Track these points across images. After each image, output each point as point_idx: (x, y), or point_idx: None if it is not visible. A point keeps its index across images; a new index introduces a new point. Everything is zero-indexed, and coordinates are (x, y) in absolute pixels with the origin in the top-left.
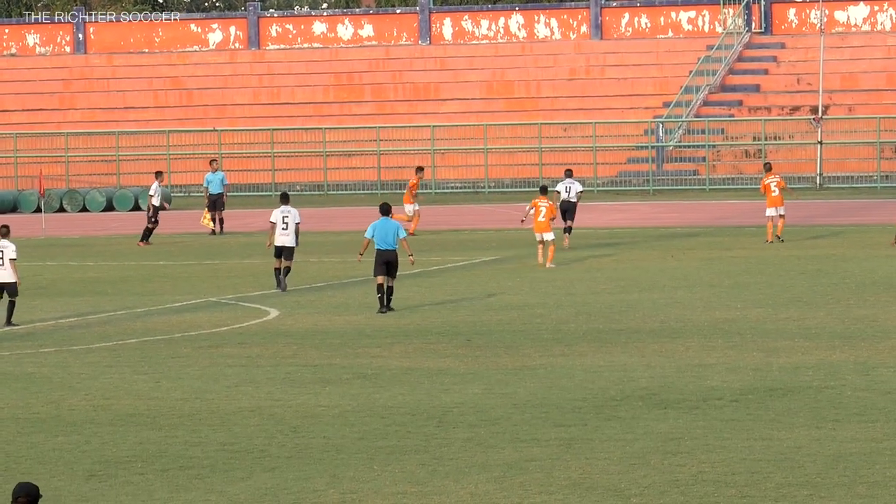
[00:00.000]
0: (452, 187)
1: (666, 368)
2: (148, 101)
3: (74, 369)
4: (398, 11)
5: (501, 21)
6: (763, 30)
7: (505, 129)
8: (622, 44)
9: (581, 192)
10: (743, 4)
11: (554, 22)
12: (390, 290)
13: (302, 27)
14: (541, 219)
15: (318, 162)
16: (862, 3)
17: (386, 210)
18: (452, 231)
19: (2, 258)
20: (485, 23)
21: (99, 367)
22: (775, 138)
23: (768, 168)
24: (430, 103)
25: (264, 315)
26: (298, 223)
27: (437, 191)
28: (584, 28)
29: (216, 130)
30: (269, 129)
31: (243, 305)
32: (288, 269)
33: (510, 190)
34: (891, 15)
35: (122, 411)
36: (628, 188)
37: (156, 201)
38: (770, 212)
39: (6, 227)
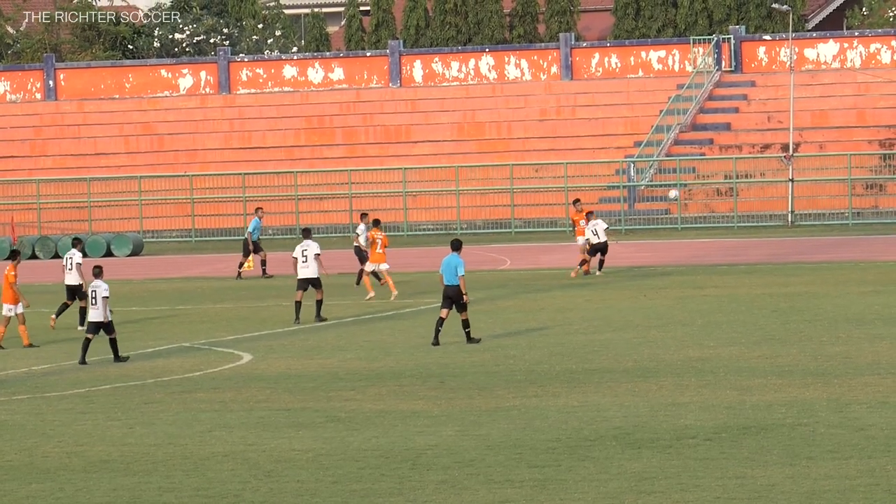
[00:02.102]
0: (424, 229)
1: (639, 408)
2: (119, 147)
3: (48, 416)
4: (368, 54)
5: (472, 63)
6: (733, 68)
7: (476, 171)
8: (593, 84)
9: (607, 228)
10: (713, 43)
11: (524, 63)
12: (465, 322)
13: (272, 71)
14: (378, 250)
15: (290, 205)
16: (832, 40)
17: (457, 246)
18: (425, 273)
19: (95, 297)
20: (455, 65)
21: (72, 414)
22: (747, 176)
23: None
24: (402, 145)
25: (237, 359)
26: (318, 254)
27: (410, 233)
28: (554, 69)
29: (188, 175)
30: (240, 174)
31: (216, 350)
32: (319, 303)
33: (482, 231)
34: (860, 52)
35: (96, 458)
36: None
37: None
38: None
39: (99, 267)
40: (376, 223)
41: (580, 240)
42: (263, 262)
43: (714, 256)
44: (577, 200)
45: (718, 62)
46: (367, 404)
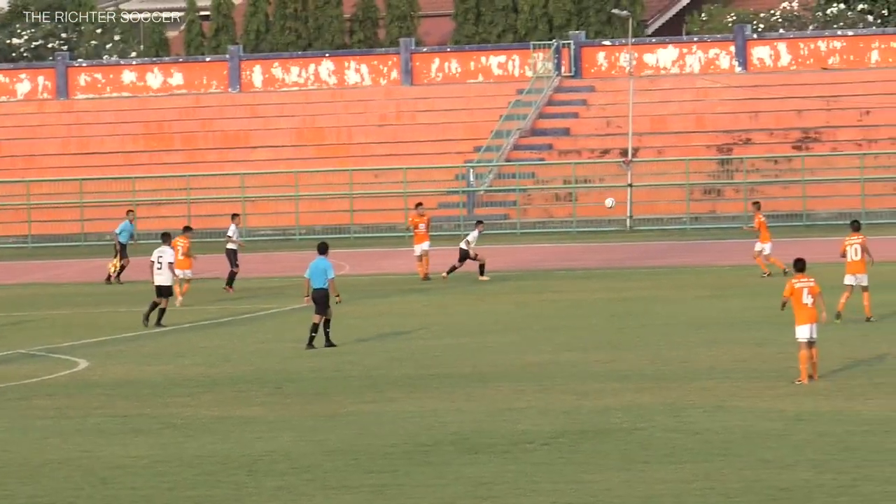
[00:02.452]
0: (263, 235)
1: (477, 413)
2: None
3: None
4: (208, 59)
5: (312, 68)
6: (573, 73)
7: (316, 176)
8: (432, 89)
9: (477, 237)
10: (553, 48)
11: (364, 68)
12: (327, 323)
13: (111, 76)
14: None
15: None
16: (671, 45)
17: (324, 250)
18: (263, 279)
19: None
20: (295, 70)
21: None
22: (585, 181)
23: (855, 227)
24: (241, 151)
25: (74, 366)
26: (171, 263)
27: (248, 238)
28: (394, 74)
29: (24, 181)
30: (78, 179)
31: (53, 356)
32: (163, 311)
33: (321, 237)
34: (699, 57)
35: None
36: (440, 233)
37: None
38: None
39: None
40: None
41: (418, 248)
42: (121, 269)
43: (552, 261)
44: (419, 204)
45: (558, 67)
46: (204, 410)
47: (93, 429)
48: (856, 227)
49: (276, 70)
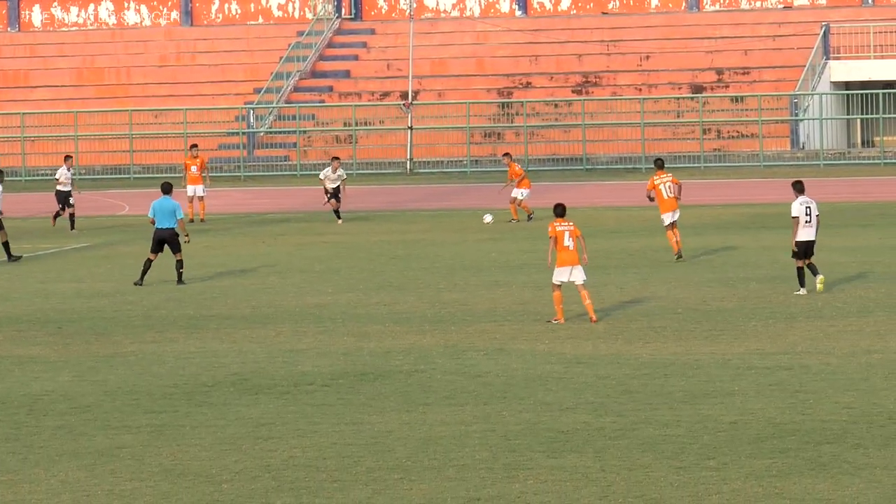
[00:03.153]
0: (43, 174)
1: (257, 354)
2: None
3: None
4: None
5: (91, 8)
6: (353, 16)
7: (96, 116)
8: (212, 30)
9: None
10: None
11: (144, 9)
12: (180, 263)
13: None
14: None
15: None
16: None
17: (168, 189)
18: (42, 218)
19: None
20: (74, 10)
21: None
22: (366, 124)
23: (660, 165)
24: (20, 90)
25: None
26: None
27: (28, 178)
28: (174, 14)
29: None
30: None
31: None
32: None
33: (101, 177)
34: (480, 1)
35: None
36: (220, 174)
37: None
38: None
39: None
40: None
41: (190, 189)
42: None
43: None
44: (193, 146)
45: (338, 9)
46: None
47: None
48: (660, 164)
49: (56, 10)
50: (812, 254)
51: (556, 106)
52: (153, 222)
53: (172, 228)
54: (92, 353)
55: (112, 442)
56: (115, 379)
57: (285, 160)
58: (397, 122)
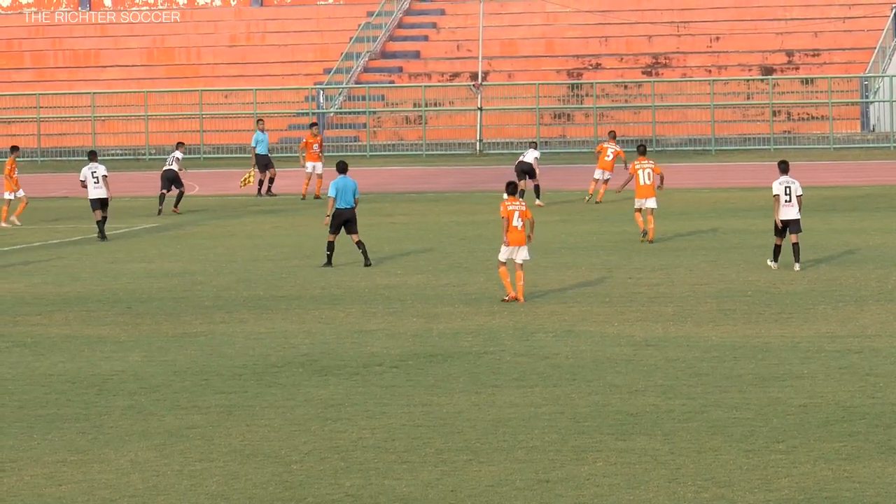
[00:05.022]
0: (113, 154)
1: (326, 335)
2: None
3: None
4: None
5: None
6: None
7: (166, 97)
8: (283, 10)
9: (537, 157)
10: None
11: None
12: (361, 243)
13: None
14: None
15: None
16: None
17: (344, 168)
18: (113, 199)
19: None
20: None
21: None
22: (436, 104)
23: (642, 151)
24: (91, 70)
25: None
26: (106, 175)
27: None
28: None
29: None
30: None
31: None
32: (104, 220)
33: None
34: None
35: None
36: (289, 154)
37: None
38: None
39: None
40: (312, 126)
41: (309, 166)
42: (271, 180)
43: (402, 184)
44: (313, 124)
45: None
46: (54, 329)
47: None
48: (642, 150)
49: None
50: (798, 230)
51: (625, 87)
52: (332, 202)
53: (353, 208)
54: (161, 333)
55: (181, 422)
56: (184, 359)
57: (355, 140)
58: (467, 102)
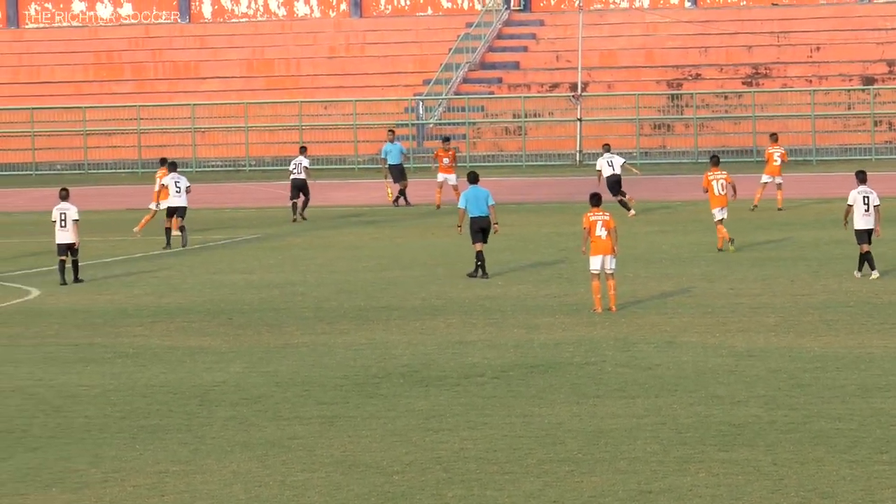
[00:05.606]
0: (213, 165)
1: (427, 345)
2: None
3: None
4: None
5: None
6: (522, 7)
7: (265, 108)
8: (382, 21)
9: (624, 163)
10: None
11: (314, 0)
12: (481, 254)
13: (61, 6)
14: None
15: (78, 141)
16: None
17: (475, 178)
18: (213, 209)
19: (64, 220)
20: (244, 1)
21: None
22: (535, 115)
23: (715, 162)
24: (191, 81)
25: (25, 294)
26: (189, 186)
27: (198, 169)
28: (343, 6)
29: None
30: (28, 108)
31: (3, 285)
32: (182, 229)
33: (271, 168)
34: None
35: None
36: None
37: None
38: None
39: (66, 189)
40: (445, 140)
41: (440, 177)
42: (401, 192)
43: (502, 195)
44: (446, 138)
45: (507, 1)
46: (156, 340)
47: (45, 357)
48: (715, 161)
49: (226, 1)
50: (869, 242)
51: (725, 97)
52: (463, 212)
53: (487, 216)
54: (263, 344)
55: (283, 433)
56: (285, 370)
57: (455, 151)
58: (566, 113)
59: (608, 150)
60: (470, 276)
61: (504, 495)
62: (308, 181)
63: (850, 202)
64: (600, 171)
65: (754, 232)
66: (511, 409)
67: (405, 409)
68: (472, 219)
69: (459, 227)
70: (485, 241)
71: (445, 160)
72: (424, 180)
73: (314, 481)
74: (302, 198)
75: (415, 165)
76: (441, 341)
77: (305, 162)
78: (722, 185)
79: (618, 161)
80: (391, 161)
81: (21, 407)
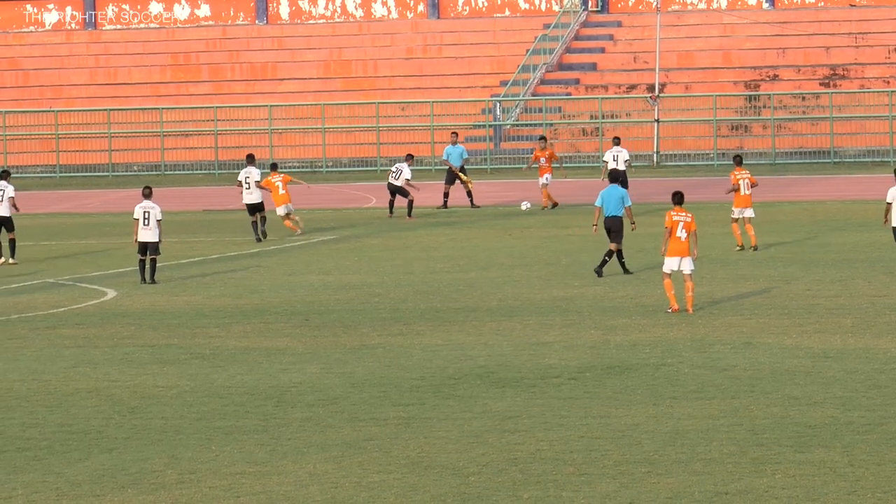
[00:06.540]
0: (290, 167)
1: (503, 347)
2: None
3: None
4: None
5: (338, 0)
6: (599, 8)
7: (342, 109)
8: (459, 23)
9: (628, 160)
10: None
11: (391, 1)
12: (619, 253)
13: (138, 7)
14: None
15: (156, 142)
16: None
17: (615, 177)
18: (294, 210)
19: (148, 218)
20: (322, 2)
21: None
22: (612, 116)
23: (739, 162)
24: (268, 83)
25: (102, 296)
26: (258, 181)
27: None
28: (420, 7)
29: (53, 111)
30: (105, 110)
31: (80, 286)
32: (263, 219)
33: (348, 169)
34: None
35: None
36: (466, 167)
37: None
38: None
39: (149, 188)
40: (541, 139)
41: (541, 179)
42: (445, 195)
43: (579, 196)
44: (542, 137)
45: (585, 2)
46: (232, 341)
47: (121, 358)
48: (739, 161)
49: (303, 2)
50: None
51: (803, 98)
52: (599, 211)
53: (620, 217)
54: (339, 345)
55: (359, 434)
56: (362, 371)
57: (531, 152)
58: (644, 114)
59: (617, 144)
60: (596, 270)
61: (580, 496)
62: (411, 184)
63: (888, 200)
64: (606, 162)
65: (831, 233)
66: (587, 411)
67: (481, 410)
68: (605, 218)
69: (595, 226)
70: (618, 242)
71: (542, 160)
72: (499, 182)
73: (390, 482)
74: (398, 198)
75: (492, 166)
76: (517, 342)
77: (407, 174)
78: (747, 184)
79: (623, 156)
80: (453, 163)
81: (97, 408)
